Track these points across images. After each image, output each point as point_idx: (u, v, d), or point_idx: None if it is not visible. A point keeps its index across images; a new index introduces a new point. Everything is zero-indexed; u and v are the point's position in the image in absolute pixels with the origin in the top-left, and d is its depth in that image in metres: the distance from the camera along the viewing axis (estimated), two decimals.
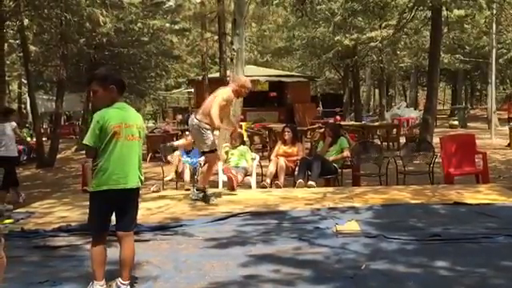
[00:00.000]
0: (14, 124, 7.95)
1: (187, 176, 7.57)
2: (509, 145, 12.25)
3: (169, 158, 8.19)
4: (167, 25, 18.73)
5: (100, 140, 3.17)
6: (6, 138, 7.69)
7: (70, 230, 4.72)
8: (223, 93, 5.94)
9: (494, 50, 20.03)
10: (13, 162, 7.96)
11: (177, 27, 20.26)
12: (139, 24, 16.64)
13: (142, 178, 3.36)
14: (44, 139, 16.04)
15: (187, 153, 7.96)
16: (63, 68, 14.26)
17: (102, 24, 12.94)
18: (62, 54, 14.25)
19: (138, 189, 3.32)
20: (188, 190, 7.27)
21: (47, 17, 13.70)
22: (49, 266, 3.84)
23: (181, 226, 4.90)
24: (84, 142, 3.23)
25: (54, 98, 16.07)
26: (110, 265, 3.40)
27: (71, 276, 3.61)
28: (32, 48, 16.33)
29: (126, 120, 3.23)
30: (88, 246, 4.23)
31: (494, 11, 15.59)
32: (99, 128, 3.15)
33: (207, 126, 5.86)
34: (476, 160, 7.73)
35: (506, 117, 12.90)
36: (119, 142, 3.18)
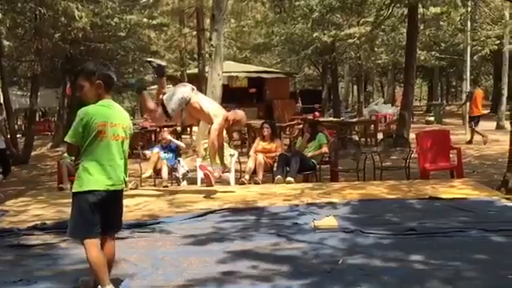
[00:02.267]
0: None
1: (165, 173, 7.53)
2: (470, 141, 12.50)
3: (147, 153, 8.13)
4: (145, 20, 18.46)
5: (83, 138, 3.02)
6: None
7: (45, 229, 4.65)
8: (218, 122, 5.80)
9: (469, 47, 20.41)
10: (2, 154, 8.35)
11: (154, 22, 20.01)
12: (116, 19, 16.36)
13: (127, 179, 3.24)
14: (18, 136, 15.72)
15: (163, 148, 7.93)
16: (38, 63, 13.99)
17: (77, 18, 12.68)
18: (37, 49, 13.97)
19: (122, 190, 3.21)
20: (166, 186, 7.24)
21: (21, 11, 13.39)
22: (23, 265, 3.78)
23: (158, 223, 4.87)
24: (66, 139, 3.08)
25: (29, 93, 15.76)
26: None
27: (46, 275, 3.55)
28: (5, 43, 15.93)
29: (112, 119, 3.09)
30: (63, 245, 4.21)
31: (469, 9, 15.88)
32: (83, 126, 3.00)
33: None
34: (451, 155, 7.88)
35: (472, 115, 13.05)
36: (104, 141, 3.04)
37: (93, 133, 3.01)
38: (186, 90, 5.85)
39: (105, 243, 3.17)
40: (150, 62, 6.08)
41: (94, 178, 3.02)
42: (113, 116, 3.11)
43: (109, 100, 3.16)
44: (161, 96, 5.85)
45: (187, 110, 5.92)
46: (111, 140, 3.07)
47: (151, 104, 5.85)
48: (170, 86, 6.86)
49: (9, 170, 8.24)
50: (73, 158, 5.99)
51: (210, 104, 5.97)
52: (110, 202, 3.12)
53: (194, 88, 6.04)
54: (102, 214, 3.10)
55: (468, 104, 13.57)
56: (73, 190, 3.10)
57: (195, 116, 5.93)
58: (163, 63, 6.22)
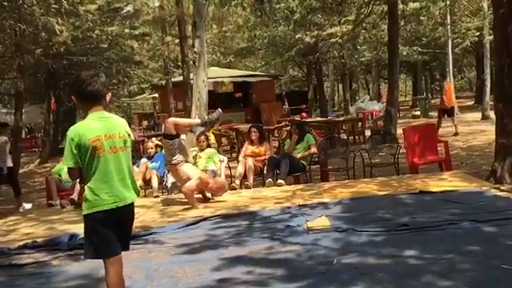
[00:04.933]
0: (4, 138, 8.55)
1: (155, 183, 7.49)
2: (456, 133, 12.66)
3: (135, 169, 8.00)
4: (126, 30, 18.38)
5: (81, 158, 2.83)
6: (3, 151, 8.25)
7: (36, 247, 4.59)
8: (195, 180, 6.03)
9: (450, 40, 20.67)
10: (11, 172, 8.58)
11: (136, 32, 19.93)
12: (97, 31, 16.30)
13: (138, 189, 3.06)
14: None
15: (149, 158, 7.88)
16: (21, 80, 13.83)
17: (58, 33, 12.59)
18: (19, 66, 13.80)
19: (133, 203, 2.98)
20: (157, 197, 7.20)
21: (0, 28, 13.28)
22: (16, 285, 3.73)
23: (151, 233, 4.85)
24: (64, 166, 2.93)
25: (13, 111, 15.59)
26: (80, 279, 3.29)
27: None
28: None
29: (105, 131, 2.86)
30: (55, 262, 4.16)
31: (448, 2, 16.08)
32: (76, 146, 2.80)
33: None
34: (439, 148, 7.94)
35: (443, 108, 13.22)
36: (102, 156, 2.83)
37: (88, 151, 2.82)
38: (183, 156, 6.11)
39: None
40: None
41: (100, 198, 2.83)
42: (105, 128, 2.88)
43: (99, 112, 2.91)
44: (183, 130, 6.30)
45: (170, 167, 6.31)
46: (109, 154, 2.86)
47: (184, 124, 6.40)
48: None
49: (19, 189, 8.48)
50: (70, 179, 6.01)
51: (193, 172, 6.17)
52: (123, 216, 2.94)
53: (188, 160, 6.31)
54: (115, 231, 2.92)
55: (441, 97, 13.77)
56: (83, 213, 2.91)
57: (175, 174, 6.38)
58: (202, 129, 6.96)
